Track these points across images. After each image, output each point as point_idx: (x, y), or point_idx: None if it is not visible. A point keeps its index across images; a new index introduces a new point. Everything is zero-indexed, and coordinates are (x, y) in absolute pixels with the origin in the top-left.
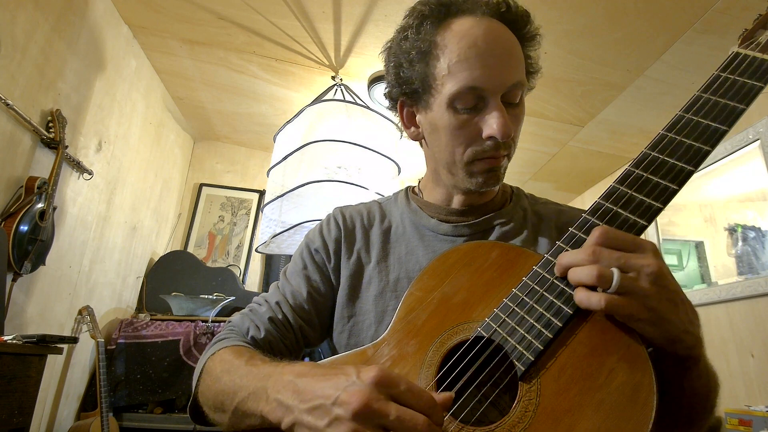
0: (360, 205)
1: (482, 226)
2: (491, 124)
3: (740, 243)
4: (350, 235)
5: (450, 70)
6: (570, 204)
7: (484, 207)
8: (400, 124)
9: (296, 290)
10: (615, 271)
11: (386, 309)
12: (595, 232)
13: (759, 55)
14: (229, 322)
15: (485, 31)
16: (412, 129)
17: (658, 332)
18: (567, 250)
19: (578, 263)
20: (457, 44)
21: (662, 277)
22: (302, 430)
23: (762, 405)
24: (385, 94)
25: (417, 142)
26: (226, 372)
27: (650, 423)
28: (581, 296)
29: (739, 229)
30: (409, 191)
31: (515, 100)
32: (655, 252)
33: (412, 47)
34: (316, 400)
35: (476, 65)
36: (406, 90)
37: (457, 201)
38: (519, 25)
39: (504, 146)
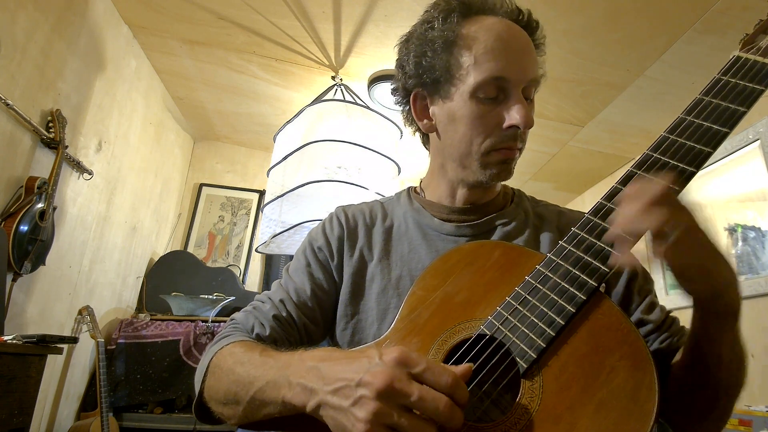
0: (362, 204)
1: (485, 226)
2: (513, 114)
3: (740, 243)
4: (353, 234)
5: (476, 60)
6: (570, 204)
7: (486, 206)
8: (405, 120)
9: (300, 288)
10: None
11: (388, 306)
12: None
13: (760, 59)
14: (232, 319)
15: (509, 28)
16: (425, 121)
17: (703, 284)
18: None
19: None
20: (483, 36)
21: (698, 230)
22: (327, 411)
23: (762, 405)
24: (395, 89)
25: (419, 141)
26: (240, 364)
27: (651, 421)
28: (621, 257)
29: (739, 229)
30: (411, 191)
31: (530, 95)
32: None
33: (439, 36)
34: (340, 382)
35: (502, 57)
36: (427, 79)
37: (460, 197)
38: (530, 31)
39: (521, 138)
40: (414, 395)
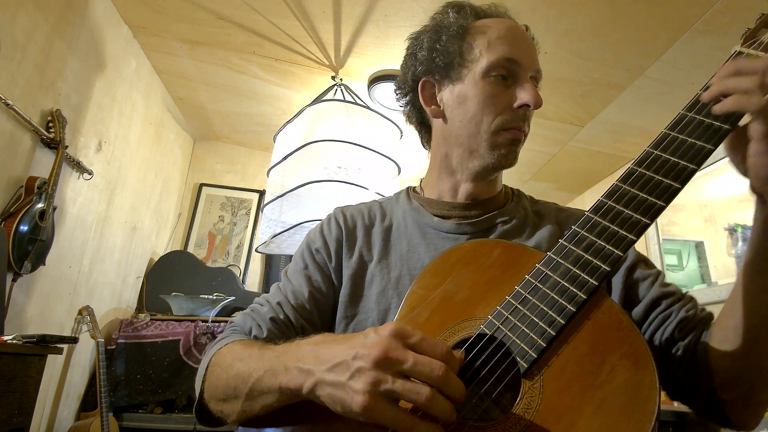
0: (361, 204)
1: (484, 224)
2: (524, 94)
3: (740, 243)
4: (351, 235)
5: (489, 44)
6: (570, 204)
7: (487, 203)
8: (408, 117)
9: (297, 290)
10: None
11: (389, 307)
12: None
13: (761, 54)
14: (231, 322)
15: (517, 25)
16: (433, 107)
17: None
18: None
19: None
20: (496, 26)
21: None
22: (324, 389)
23: None
24: (401, 81)
25: (419, 140)
26: (239, 359)
27: (652, 421)
28: (740, 98)
29: (739, 229)
30: (410, 190)
31: (536, 85)
32: None
33: (455, 22)
34: (337, 359)
35: (514, 43)
36: (440, 63)
37: (463, 191)
38: None
39: (528, 121)
40: (409, 361)
